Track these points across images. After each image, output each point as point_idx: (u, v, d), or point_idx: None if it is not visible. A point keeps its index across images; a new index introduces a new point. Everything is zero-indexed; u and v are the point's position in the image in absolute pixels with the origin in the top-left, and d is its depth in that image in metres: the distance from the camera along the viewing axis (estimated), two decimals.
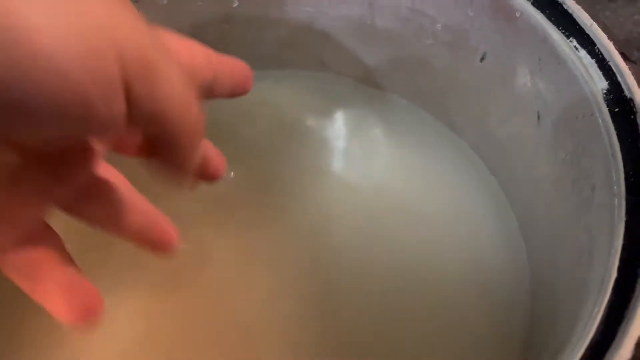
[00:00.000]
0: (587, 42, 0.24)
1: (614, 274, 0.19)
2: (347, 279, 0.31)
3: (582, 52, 0.24)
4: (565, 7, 0.25)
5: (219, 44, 0.36)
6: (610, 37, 0.24)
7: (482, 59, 0.30)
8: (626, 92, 0.23)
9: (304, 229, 0.33)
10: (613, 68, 0.23)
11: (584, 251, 0.22)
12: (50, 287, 0.16)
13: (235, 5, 0.34)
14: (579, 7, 0.25)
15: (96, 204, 0.18)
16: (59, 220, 0.31)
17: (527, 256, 0.30)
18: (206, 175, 0.20)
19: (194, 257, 0.32)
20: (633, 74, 0.23)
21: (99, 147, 0.18)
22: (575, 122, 0.24)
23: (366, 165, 0.36)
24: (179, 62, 0.14)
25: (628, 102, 0.22)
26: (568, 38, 0.24)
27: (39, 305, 0.29)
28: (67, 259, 0.17)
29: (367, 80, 0.38)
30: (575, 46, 0.24)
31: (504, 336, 0.29)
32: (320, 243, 0.33)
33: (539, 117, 0.27)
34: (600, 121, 0.23)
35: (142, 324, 0.30)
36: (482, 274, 0.30)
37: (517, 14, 0.26)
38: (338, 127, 0.38)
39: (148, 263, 0.31)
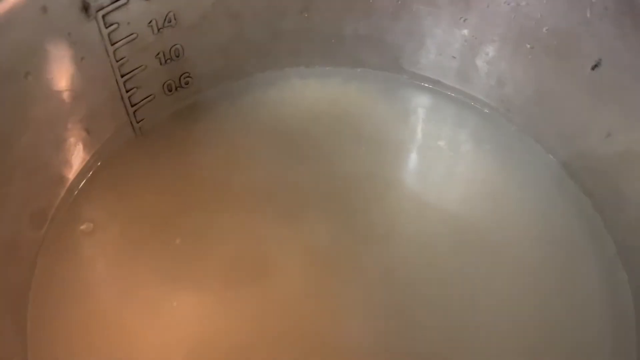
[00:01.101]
0: None
1: None
2: (419, 292, 0.29)
3: None
4: None
5: (294, 33, 0.35)
6: None
7: (594, 67, 0.27)
8: None
9: (371, 236, 0.30)
10: None
11: None
12: None
13: None
14: None
15: None
16: (123, 213, 0.29)
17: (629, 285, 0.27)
18: None
19: (255, 262, 0.29)
20: None
21: None
22: None
23: (438, 176, 0.33)
24: None
25: None
26: None
27: (81, 295, 0.27)
28: None
29: (446, 85, 0.35)
30: None
31: None
32: (390, 252, 0.30)
33: None
34: None
35: (198, 326, 0.27)
36: (575, 302, 0.27)
37: None
38: (410, 132, 0.35)
39: (213, 262, 0.29)
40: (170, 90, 0.33)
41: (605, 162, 0.28)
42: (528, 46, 0.30)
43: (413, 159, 0.34)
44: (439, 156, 0.34)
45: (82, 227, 0.29)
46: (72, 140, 0.28)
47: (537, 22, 0.29)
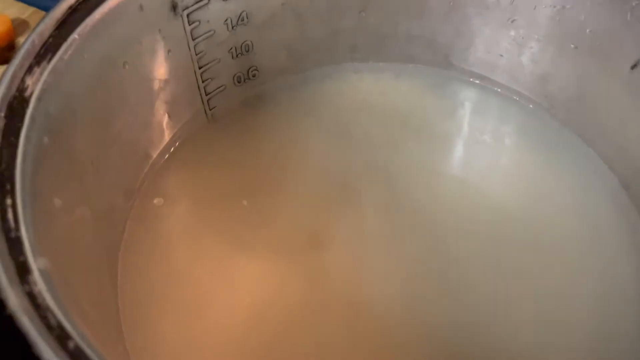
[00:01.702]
0: None
1: None
2: (457, 273, 0.31)
3: None
4: None
5: (351, 31, 0.38)
6: None
7: (633, 67, 0.29)
8: None
9: (415, 220, 0.33)
10: None
11: None
12: None
13: None
14: None
15: None
16: (196, 188, 0.33)
17: None
18: None
19: (312, 236, 0.32)
20: None
21: None
22: None
23: (482, 168, 0.36)
24: None
25: None
26: None
27: (161, 257, 0.31)
28: None
29: (493, 81, 0.38)
30: None
31: None
32: (433, 236, 0.32)
33: None
34: None
35: (262, 286, 0.30)
36: (611, 290, 0.29)
37: None
38: (456, 125, 0.38)
39: (274, 232, 0.32)
40: (239, 82, 0.37)
41: None
42: (572, 46, 0.32)
43: (459, 150, 0.37)
44: (484, 148, 0.36)
45: (162, 199, 0.33)
46: (156, 122, 0.33)
47: (580, 24, 0.31)
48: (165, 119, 0.33)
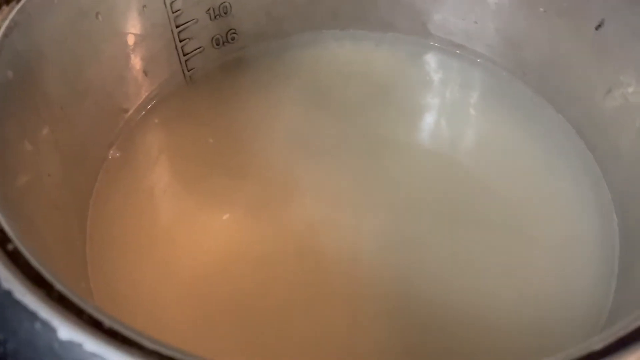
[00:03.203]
0: None
1: None
2: (424, 229, 0.32)
3: None
4: None
5: None
6: None
7: (598, 27, 0.30)
8: None
9: (387, 184, 0.33)
10: None
11: None
12: None
13: None
14: None
15: None
16: (172, 146, 0.34)
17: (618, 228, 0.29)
18: None
19: (283, 194, 0.33)
20: None
21: None
22: None
23: (458, 139, 0.36)
24: None
25: None
26: None
27: (133, 207, 0.32)
28: None
29: (468, 49, 0.38)
30: None
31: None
32: (401, 199, 0.33)
33: None
34: None
35: (230, 238, 0.31)
36: (571, 243, 0.30)
37: None
38: (432, 94, 0.38)
39: (244, 186, 0.33)
40: (218, 44, 0.37)
41: (606, 117, 0.31)
42: (541, 9, 0.32)
43: (433, 120, 0.37)
44: (458, 117, 0.37)
45: (136, 153, 0.34)
46: (132, 78, 0.33)
47: None
48: (141, 75, 0.34)
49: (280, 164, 0.34)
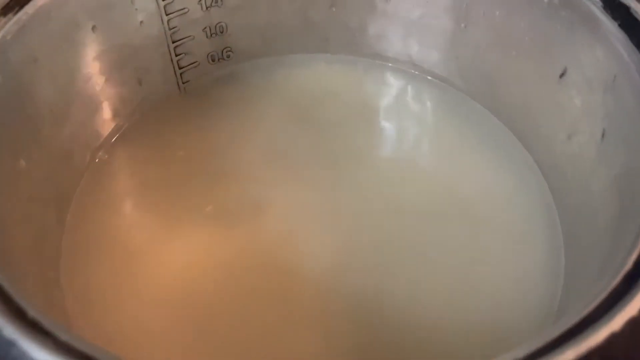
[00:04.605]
0: None
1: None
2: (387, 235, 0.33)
3: None
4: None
5: (323, 24, 0.40)
6: None
7: (562, 75, 0.31)
8: None
9: (355, 200, 0.35)
10: None
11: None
12: None
13: None
14: None
15: None
16: (159, 154, 0.36)
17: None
18: None
19: (254, 205, 0.35)
20: None
21: None
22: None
23: (427, 159, 0.38)
24: None
25: None
26: None
27: (113, 210, 0.34)
28: None
29: (448, 80, 0.39)
30: None
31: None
32: (366, 210, 0.35)
33: (603, 135, 0.28)
34: None
35: (196, 255, 0.33)
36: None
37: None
38: (409, 118, 0.40)
39: (205, 204, 0.35)
40: (213, 60, 0.40)
41: (565, 160, 0.32)
42: (514, 53, 0.34)
43: (410, 140, 0.39)
44: (434, 139, 0.39)
45: (123, 157, 0.36)
46: (126, 85, 0.36)
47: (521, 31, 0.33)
48: (135, 84, 0.36)
49: (254, 176, 0.36)
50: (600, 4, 0.28)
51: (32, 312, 0.18)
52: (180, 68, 0.38)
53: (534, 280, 0.31)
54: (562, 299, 0.29)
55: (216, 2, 0.37)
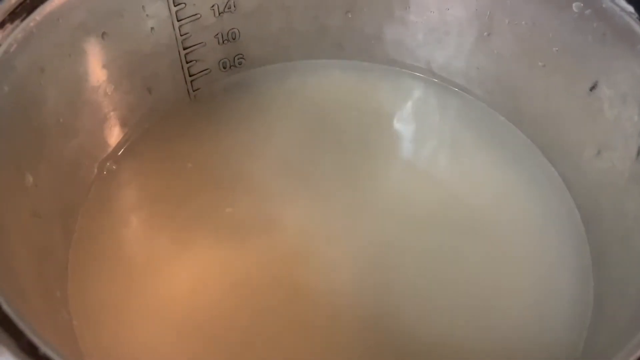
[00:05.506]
0: None
1: None
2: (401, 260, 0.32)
3: None
4: None
5: (338, 29, 0.39)
6: None
7: (592, 88, 0.29)
8: None
9: (372, 215, 0.34)
10: None
11: None
12: None
13: None
14: None
15: None
16: (168, 161, 0.35)
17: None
18: None
19: (266, 219, 0.33)
20: None
21: None
22: None
23: (449, 172, 0.36)
24: None
25: None
26: None
27: (120, 222, 0.32)
28: None
29: (468, 90, 0.38)
30: None
31: None
32: (383, 226, 0.33)
33: (639, 153, 0.27)
34: None
35: (208, 272, 0.32)
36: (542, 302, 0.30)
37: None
38: (428, 129, 0.38)
39: (216, 217, 0.33)
40: (224, 68, 0.39)
41: (593, 176, 0.31)
42: (540, 64, 0.32)
43: (425, 151, 0.38)
44: (454, 150, 0.37)
45: (132, 167, 0.35)
46: (135, 93, 0.34)
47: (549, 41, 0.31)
48: (145, 92, 0.35)
49: (267, 189, 0.35)
50: (636, 15, 0.27)
51: (44, 349, 0.16)
52: (190, 75, 0.37)
53: (558, 311, 0.29)
54: (589, 338, 0.28)
55: (229, 8, 0.36)
